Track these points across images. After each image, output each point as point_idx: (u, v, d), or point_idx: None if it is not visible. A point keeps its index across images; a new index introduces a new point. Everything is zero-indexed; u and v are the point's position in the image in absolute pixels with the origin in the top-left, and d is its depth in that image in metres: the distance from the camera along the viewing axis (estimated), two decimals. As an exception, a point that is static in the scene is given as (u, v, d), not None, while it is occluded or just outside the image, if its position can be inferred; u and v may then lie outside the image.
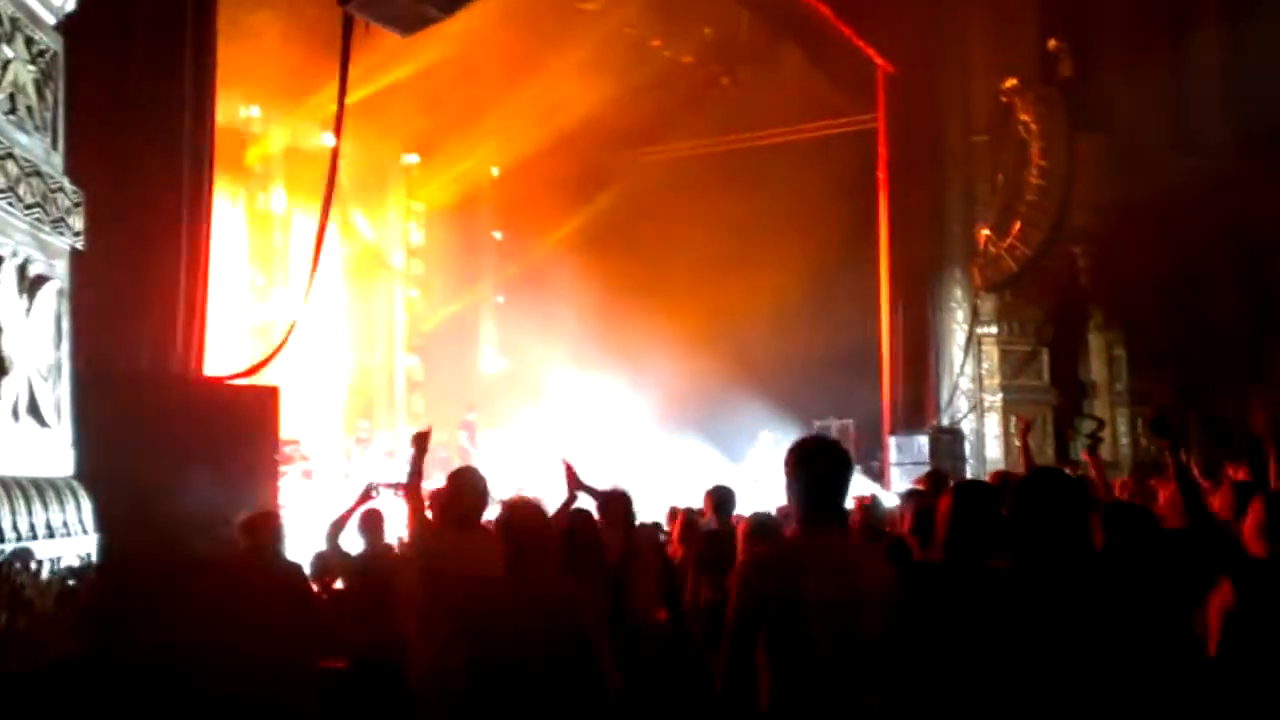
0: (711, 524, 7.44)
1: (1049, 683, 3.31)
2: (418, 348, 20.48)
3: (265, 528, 6.47)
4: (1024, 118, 17.47)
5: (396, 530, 7.50)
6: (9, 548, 4.76)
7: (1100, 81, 17.58)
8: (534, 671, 3.94)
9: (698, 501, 8.30)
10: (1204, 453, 15.91)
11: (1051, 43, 17.46)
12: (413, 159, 20.36)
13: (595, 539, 5.74)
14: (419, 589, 5.35)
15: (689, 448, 17.50)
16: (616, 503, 6.36)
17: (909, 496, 6.90)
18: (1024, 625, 3.37)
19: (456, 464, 6.32)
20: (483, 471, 5.61)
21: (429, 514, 5.92)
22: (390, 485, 7.97)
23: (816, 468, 3.54)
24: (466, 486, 5.48)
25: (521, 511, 4.34)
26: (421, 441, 5.98)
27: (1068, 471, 5.46)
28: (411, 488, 5.85)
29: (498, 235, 21.97)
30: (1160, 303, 17.26)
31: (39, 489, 5.11)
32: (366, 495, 7.16)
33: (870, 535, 6.26)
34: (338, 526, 7.11)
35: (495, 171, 21.06)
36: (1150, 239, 16.70)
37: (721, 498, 7.36)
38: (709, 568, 6.64)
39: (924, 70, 18.62)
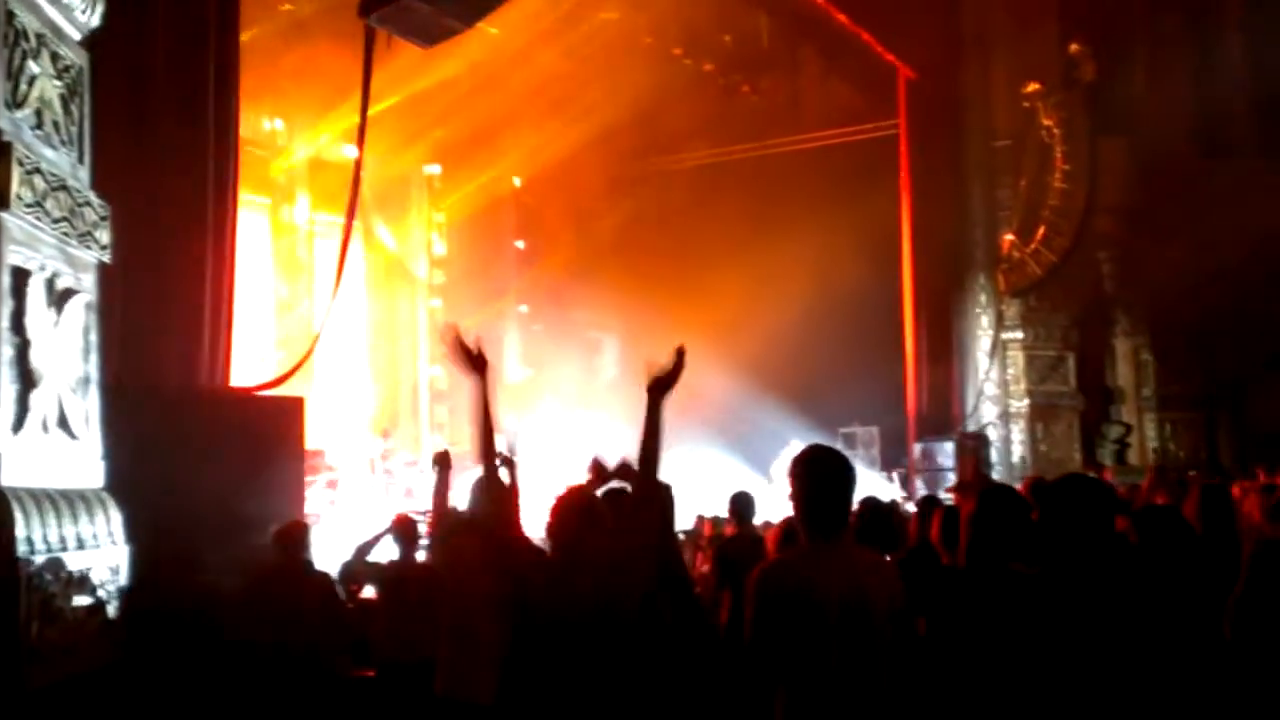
0: (730, 530, 7.42)
1: (1076, 686, 3.30)
2: (441, 357, 20.53)
3: (296, 537, 6.50)
4: (1046, 122, 17.42)
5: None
6: (40, 559, 4.80)
7: (1123, 85, 17.52)
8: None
9: (723, 510, 8.28)
10: (1236, 455, 15.86)
11: (1073, 47, 17.40)
12: (435, 170, 20.43)
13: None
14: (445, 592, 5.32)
15: (713, 456, 17.46)
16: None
17: (926, 504, 6.89)
18: (1051, 629, 3.36)
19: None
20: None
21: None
22: (421, 514, 7.96)
23: (819, 478, 3.54)
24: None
25: (569, 505, 4.27)
26: (444, 461, 5.96)
27: (1091, 474, 5.43)
28: (436, 508, 5.82)
29: (520, 245, 22.02)
30: (1187, 306, 17.15)
31: (69, 501, 5.14)
32: (396, 524, 7.15)
33: (888, 539, 6.21)
34: (365, 551, 7.12)
35: (517, 181, 21.11)
36: (1176, 242, 16.61)
37: (741, 504, 7.31)
38: (730, 574, 6.62)
39: (945, 76, 18.59)
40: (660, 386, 4.27)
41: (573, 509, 4.16)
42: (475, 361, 4.27)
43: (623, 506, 4.50)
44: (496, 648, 4.43)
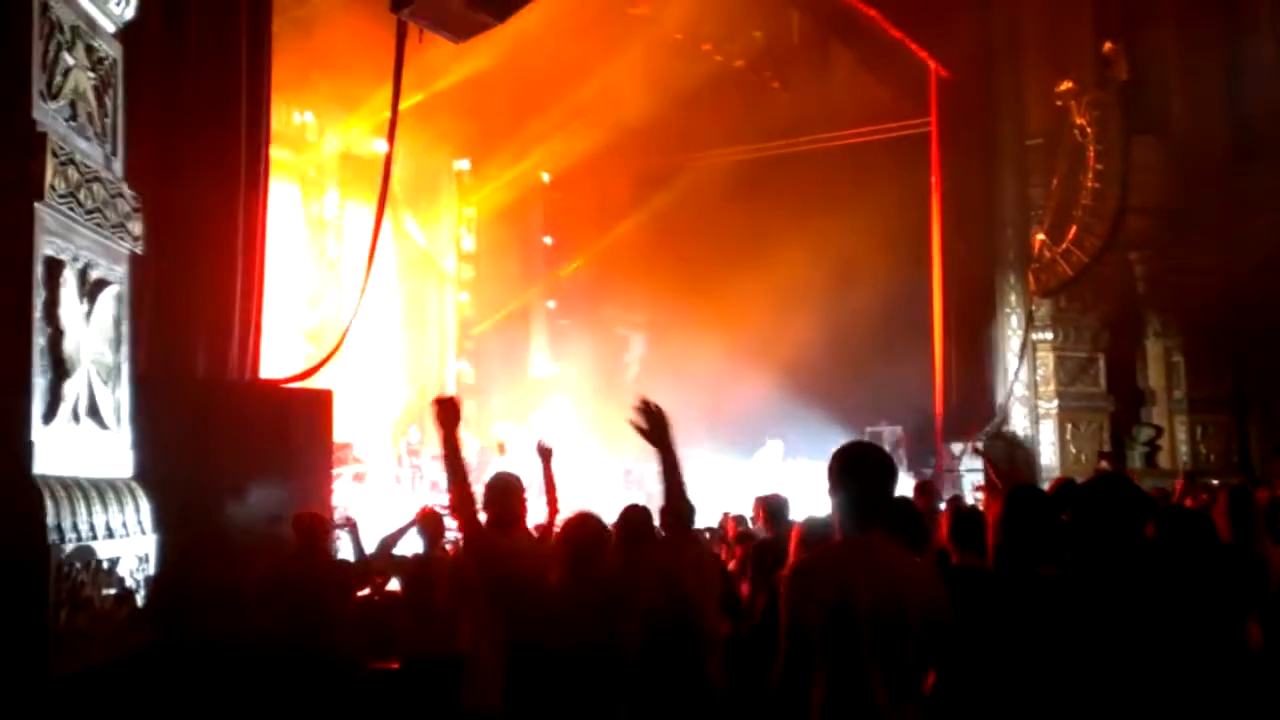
0: (764, 532, 7.39)
1: (1104, 688, 3.28)
2: (469, 352, 20.59)
3: (313, 527, 6.54)
4: (1079, 121, 17.26)
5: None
6: (69, 547, 4.84)
7: (1157, 84, 17.35)
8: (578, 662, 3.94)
9: (747, 509, 8.27)
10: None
11: (1107, 45, 17.23)
12: (464, 165, 20.48)
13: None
14: (474, 589, 5.31)
15: (738, 455, 17.44)
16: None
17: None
18: (1081, 630, 3.34)
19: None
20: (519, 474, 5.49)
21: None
22: (446, 508, 7.99)
23: (859, 475, 3.52)
24: (500, 491, 5.41)
25: (581, 527, 4.33)
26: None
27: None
28: (454, 501, 5.70)
29: (548, 240, 22.05)
30: (1219, 309, 16.96)
31: (99, 490, 5.18)
32: (420, 517, 7.16)
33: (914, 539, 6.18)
34: (389, 544, 7.14)
35: (546, 177, 21.13)
36: (1209, 244, 16.44)
37: (775, 506, 7.26)
38: (765, 576, 6.58)
39: (978, 73, 18.46)
40: (656, 436, 4.29)
41: (582, 537, 4.17)
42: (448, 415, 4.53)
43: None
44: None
